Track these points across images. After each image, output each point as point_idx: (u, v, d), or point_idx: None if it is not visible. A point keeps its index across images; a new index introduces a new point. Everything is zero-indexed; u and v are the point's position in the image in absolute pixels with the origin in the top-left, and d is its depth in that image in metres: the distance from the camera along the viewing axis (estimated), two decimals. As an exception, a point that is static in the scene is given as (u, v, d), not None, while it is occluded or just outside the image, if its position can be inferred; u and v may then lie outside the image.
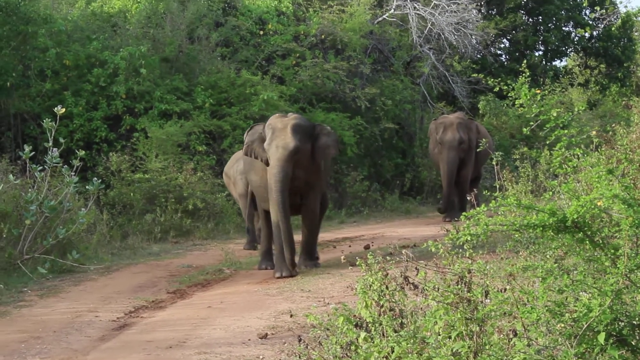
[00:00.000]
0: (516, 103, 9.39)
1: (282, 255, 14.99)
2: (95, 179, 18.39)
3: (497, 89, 10.38)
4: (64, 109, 17.95)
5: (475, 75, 23.12)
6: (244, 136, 15.94)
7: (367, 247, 16.72)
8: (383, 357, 6.71)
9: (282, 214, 14.76)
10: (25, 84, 22.58)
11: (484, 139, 20.67)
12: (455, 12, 28.30)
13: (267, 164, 14.99)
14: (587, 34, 36.37)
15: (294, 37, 26.89)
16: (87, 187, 17.95)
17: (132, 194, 20.32)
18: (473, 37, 28.64)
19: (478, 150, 20.47)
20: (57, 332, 11.61)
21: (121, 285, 14.90)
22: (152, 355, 10.37)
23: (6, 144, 21.80)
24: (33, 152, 17.01)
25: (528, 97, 8.69)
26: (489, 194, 11.48)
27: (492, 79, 11.28)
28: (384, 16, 28.93)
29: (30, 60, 22.83)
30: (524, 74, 9.64)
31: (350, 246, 18.06)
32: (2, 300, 13.67)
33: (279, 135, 14.82)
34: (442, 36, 28.23)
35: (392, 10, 28.83)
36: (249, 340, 10.81)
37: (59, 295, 14.23)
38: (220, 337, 11.01)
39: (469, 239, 6.88)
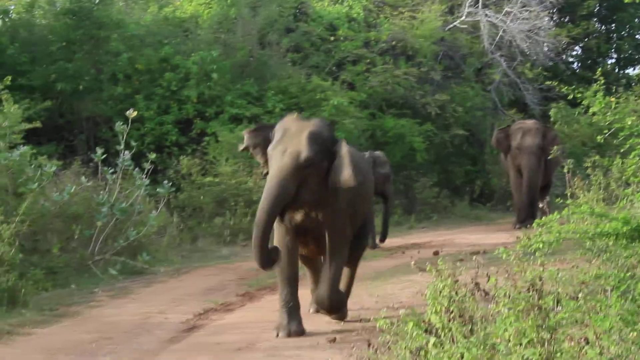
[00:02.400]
0: (590, 111, 9.32)
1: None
2: (166, 182, 18.54)
3: (571, 96, 10.30)
4: (135, 113, 18.06)
5: (548, 82, 22.92)
6: (244, 136, 12.17)
7: (436, 253, 16.64)
8: (453, 363, 6.68)
9: (259, 244, 10.63)
10: (97, 87, 22.76)
11: (555, 147, 20.57)
12: (527, 19, 28.15)
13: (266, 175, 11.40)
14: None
15: (364, 43, 26.90)
16: (157, 190, 18.08)
17: (202, 197, 20.41)
18: (545, 44, 28.49)
19: (549, 157, 20.37)
20: (127, 333, 11.69)
21: (191, 287, 14.96)
22: (220, 357, 10.40)
23: (79, 146, 21.99)
24: (105, 155, 17.13)
25: (602, 105, 8.63)
26: (560, 201, 11.39)
27: (565, 87, 11.21)
28: (455, 23, 28.82)
29: (102, 64, 23.01)
30: (598, 82, 9.56)
31: (419, 252, 17.98)
32: (73, 301, 13.79)
33: (290, 139, 10.81)
34: (514, 43, 28.08)
35: (464, 17, 28.72)
36: (318, 344, 10.81)
37: (129, 296, 14.32)
38: (289, 341, 11.02)
39: (540, 246, 6.84)
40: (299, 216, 11.23)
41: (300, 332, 11.24)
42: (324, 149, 10.87)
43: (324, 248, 11.45)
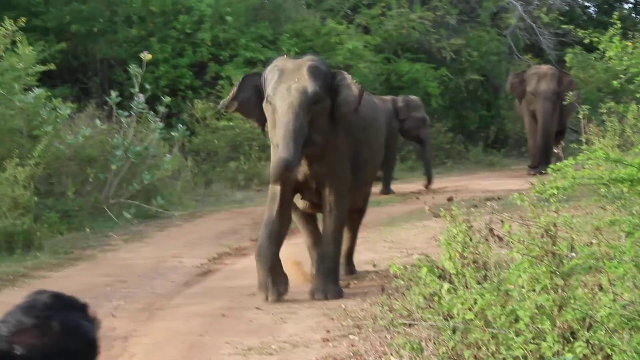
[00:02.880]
0: (606, 56, 9.30)
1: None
2: (180, 125, 18.56)
3: (587, 41, 10.28)
4: (150, 56, 18.06)
5: (564, 26, 22.85)
6: (232, 90, 10.91)
7: (450, 199, 16.65)
8: (466, 309, 6.71)
9: (281, 197, 10.34)
10: (111, 29, 22.76)
11: (571, 92, 20.53)
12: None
13: (262, 125, 10.66)
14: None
15: (380, -13, 26.83)
16: (172, 133, 18.11)
17: (216, 142, 20.46)
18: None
19: (565, 103, 20.35)
20: (141, 277, 11.78)
21: (205, 231, 15.03)
22: (235, 301, 10.47)
23: (93, 89, 22.01)
24: (119, 98, 17.13)
25: (619, 50, 8.60)
26: (575, 147, 11.39)
27: (581, 31, 11.19)
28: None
29: (116, 6, 23.00)
30: (614, 26, 9.54)
31: (433, 198, 18.01)
32: (88, 244, 13.88)
33: (290, 77, 9.94)
34: (531, -12, 28.06)
35: (481, -38, 28.67)
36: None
37: (143, 240, 14.40)
38: (301, 284, 11.07)
39: (555, 192, 6.84)
40: (299, 171, 10.28)
41: (286, 291, 10.36)
42: (325, 84, 10.15)
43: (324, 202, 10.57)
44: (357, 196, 11.41)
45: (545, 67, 23.39)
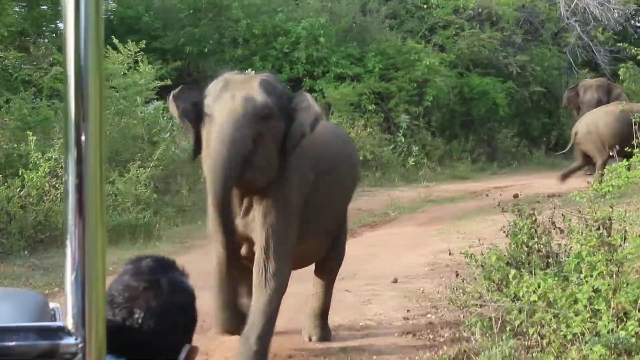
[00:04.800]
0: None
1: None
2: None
3: (639, 57, 10.21)
4: (253, 72, 18.18)
5: (618, 44, 22.66)
6: (169, 100, 7.59)
7: (516, 196, 16.40)
8: (531, 292, 6.69)
9: (220, 221, 6.86)
10: (220, 50, 22.94)
11: (623, 102, 20.42)
12: (599, -12, 27.93)
13: (196, 151, 7.42)
14: None
15: (454, 11, 26.74)
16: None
17: (310, 146, 20.49)
18: (615, 10, 28.09)
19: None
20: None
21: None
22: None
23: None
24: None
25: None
26: (629, 150, 11.26)
27: (634, 48, 11.12)
28: (535, -9, 28.60)
29: (224, 30, 23.16)
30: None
31: (501, 194, 17.76)
32: (200, 235, 13.93)
33: (237, 87, 6.90)
34: (587, 10, 27.79)
35: (543, -14, 28.52)
36: (410, 275, 10.87)
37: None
38: (386, 271, 11.08)
39: (610, 190, 6.81)
40: (239, 212, 7.17)
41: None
42: (280, 104, 6.99)
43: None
44: (317, 247, 8.06)
45: (592, 80, 23.35)
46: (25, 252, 11.91)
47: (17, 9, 20.48)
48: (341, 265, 8.71)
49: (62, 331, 1.40)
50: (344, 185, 8.21)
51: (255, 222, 7.09)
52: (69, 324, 1.39)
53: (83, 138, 1.34)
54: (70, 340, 1.39)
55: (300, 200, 7.35)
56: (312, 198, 7.42)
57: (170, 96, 7.41)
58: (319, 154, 7.37)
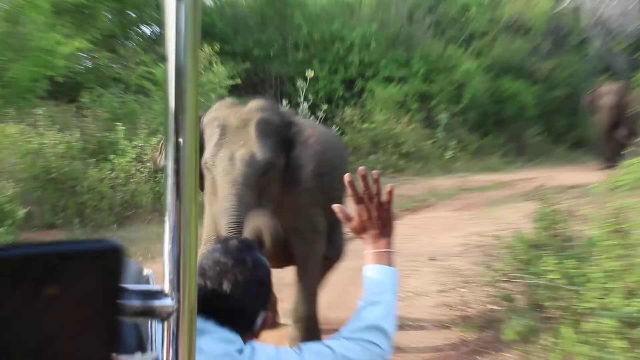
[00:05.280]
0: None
1: None
2: (334, 127, 18.69)
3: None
4: (312, 73, 18.22)
5: (637, 53, 22.47)
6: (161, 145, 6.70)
7: (540, 186, 16.43)
8: (551, 271, 6.70)
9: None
10: (283, 53, 22.97)
11: (638, 105, 20.36)
12: (619, 2, 27.58)
13: (201, 187, 6.28)
14: None
15: (490, 21, 26.57)
16: (327, 132, 18.20)
17: (360, 139, 20.48)
18: (633, 22, 27.77)
19: (632, 113, 20.31)
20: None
21: (351, 208, 15.06)
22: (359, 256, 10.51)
23: (269, 98, 22.23)
24: (289, 105, 17.32)
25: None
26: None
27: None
28: (562, 6, 28.27)
29: (288, 35, 23.18)
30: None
31: (527, 185, 17.81)
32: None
33: (234, 138, 6.02)
34: (608, 22, 27.51)
35: (569, 1, 28.22)
36: (446, 254, 10.88)
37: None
38: (425, 251, 11.10)
39: (624, 182, 6.80)
40: None
41: None
42: (278, 139, 6.16)
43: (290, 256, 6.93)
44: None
45: (609, 86, 23.17)
46: (114, 226, 12.05)
47: (108, 15, 20.63)
48: (338, 263, 7.91)
49: (160, 293, 1.44)
50: (338, 188, 7.21)
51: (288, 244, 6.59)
52: (166, 287, 1.43)
53: (181, 128, 1.39)
54: (167, 302, 1.43)
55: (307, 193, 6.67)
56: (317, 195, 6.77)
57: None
58: (317, 159, 6.47)
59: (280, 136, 6.14)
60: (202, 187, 6.35)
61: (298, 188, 6.30)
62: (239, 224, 5.63)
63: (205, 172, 6.01)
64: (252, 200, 5.82)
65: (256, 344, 2.64)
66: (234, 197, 5.75)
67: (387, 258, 2.77)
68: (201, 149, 6.01)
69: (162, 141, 6.68)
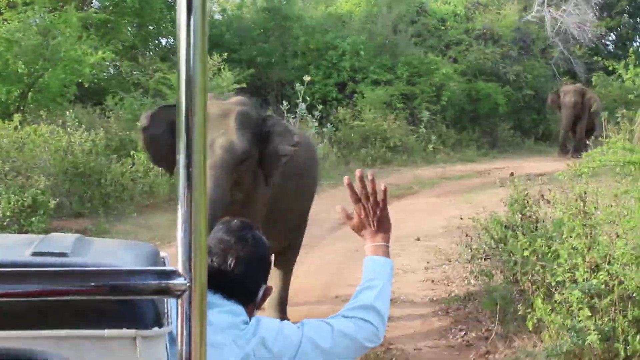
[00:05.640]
0: (625, 78, 9.16)
1: None
2: (329, 124, 18.70)
3: (612, 67, 10.10)
4: (309, 78, 18.27)
5: (593, 58, 22.51)
6: (141, 120, 6.29)
7: (511, 175, 16.36)
8: (524, 249, 6.68)
9: None
10: (283, 60, 22.93)
11: (594, 103, 20.47)
12: (577, 14, 27.64)
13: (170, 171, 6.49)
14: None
15: (464, 31, 26.54)
16: (323, 129, 18.24)
17: (352, 135, 20.46)
18: (589, 31, 27.80)
19: (591, 110, 20.45)
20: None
21: (345, 195, 14.94)
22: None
23: (270, 100, 22.16)
24: (288, 106, 17.32)
25: (633, 74, 8.50)
26: (601, 139, 11.16)
27: (604, 60, 10.99)
28: (527, 17, 28.30)
29: (287, 45, 23.13)
30: (630, 57, 9.36)
31: (499, 174, 17.80)
32: (267, 203, 14.01)
33: (216, 125, 5.81)
34: (568, 31, 27.55)
35: (533, 13, 28.25)
36: (429, 235, 10.88)
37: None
38: (411, 232, 11.11)
39: (586, 170, 6.77)
40: None
41: None
42: (255, 133, 5.96)
43: None
44: (280, 241, 6.61)
45: (570, 86, 23.39)
46: (134, 214, 12.03)
47: (129, 28, 20.62)
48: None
49: (174, 273, 1.44)
50: (307, 187, 7.19)
51: None
52: (179, 268, 1.43)
53: (191, 127, 1.39)
54: (181, 281, 1.43)
55: (270, 203, 6.37)
56: (277, 198, 6.43)
57: (147, 115, 6.09)
58: (289, 159, 6.11)
59: (257, 130, 5.95)
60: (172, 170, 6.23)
61: (268, 182, 6.06)
62: (214, 205, 5.38)
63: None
64: (228, 185, 5.66)
65: (261, 317, 2.63)
66: (211, 179, 5.49)
67: (383, 251, 2.77)
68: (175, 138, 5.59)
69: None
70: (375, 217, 2.73)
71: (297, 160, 6.42)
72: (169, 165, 6.27)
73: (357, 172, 2.73)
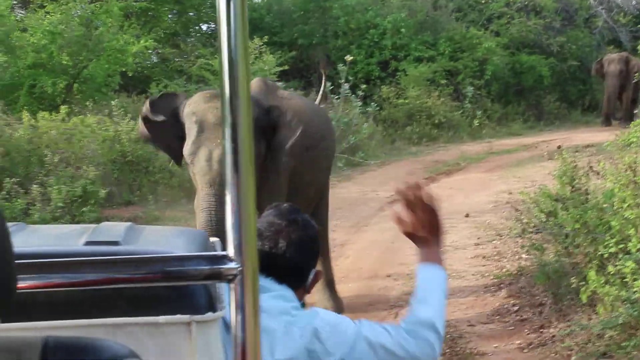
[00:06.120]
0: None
1: None
2: (373, 103, 18.65)
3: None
4: (351, 58, 18.19)
5: (638, 25, 22.17)
6: (143, 109, 6.20)
7: (559, 147, 16.19)
8: (574, 222, 6.62)
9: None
10: (325, 41, 22.89)
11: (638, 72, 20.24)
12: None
13: (176, 159, 6.29)
14: None
15: (506, 4, 26.27)
16: (367, 109, 18.20)
17: (397, 113, 20.39)
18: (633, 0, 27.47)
19: (635, 80, 20.25)
20: (351, 205, 11.90)
21: (391, 173, 15.06)
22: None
23: (313, 81, 22.15)
24: (332, 87, 17.29)
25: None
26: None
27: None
28: (570, -14, 28.03)
29: (328, 25, 23.08)
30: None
31: (547, 146, 17.62)
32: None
33: (212, 135, 5.67)
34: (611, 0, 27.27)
35: (576, -18, 27.97)
36: (479, 210, 10.83)
37: (351, 180, 14.52)
38: (460, 209, 11.06)
39: (634, 140, 6.69)
40: None
41: None
42: (257, 131, 5.42)
43: None
44: None
45: (614, 55, 23.13)
46: (183, 201, 12.11)
47: (170, 16, 20.72)
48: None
49: (225, 258, 1.45)
50: (324, 159, 7.02)
51: None
52: (230, 253, 1.44)
53: (236, 111, 1.40)
54: (232, 265, 1.44)
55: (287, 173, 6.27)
56: (296, 170, 6.30)
57: (148, 102, 5.98)
58: (303, 131, 5.99)
59: (258, 126, 5.59)
60: (178, 162, 6.19)
61: (278, 168, 5.96)
62: (215, 223, 5.39)
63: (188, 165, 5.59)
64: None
65: (319, 309, 2.60)
66: (211, 197, 5.47)
67: (437, 258, 2.67)
68: (178, 126, 5.66)
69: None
70: (428, 224, 2.63)
71: (311, 132, 6.28)
72: (173, 153, 6.09)
73: (408, 182, 2.67)
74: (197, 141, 5.45)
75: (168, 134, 5.79)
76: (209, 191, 5.53)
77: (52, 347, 1.05)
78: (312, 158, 6.55)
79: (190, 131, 5.53)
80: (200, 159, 5.43)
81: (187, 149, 5.52)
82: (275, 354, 2.38)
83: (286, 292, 2.53)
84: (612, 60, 22.48)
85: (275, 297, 2.50)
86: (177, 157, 5.93)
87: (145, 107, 5.92)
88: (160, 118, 5.81)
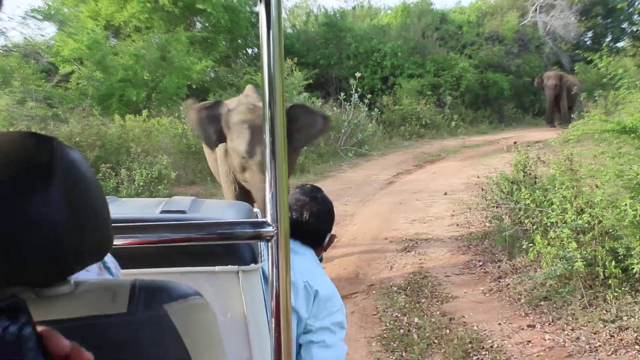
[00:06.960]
0: (600, 66, 8.93)
1: None
2: (376, 109, 18.57)
3: (589, 58, 9.87)
4: (359, 74, 18.10)
5: (576, 51, 21.93)
6: (198, 106, 5.53)
7: (515, 143, 16.05)
8: (526, 199, 6.60)
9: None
10: (339, 62, 22.75)
11: (574, 86, 20.05)
12: (562, 18, 26.96)
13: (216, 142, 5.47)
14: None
15: (476, 34, 26.00)
16: (371, 113, 18.11)
17: (394, 116, 20.28)
18: (572, 31, 27.06)
19: (572, 92, 20.08)
20: (358, 185, 11.88)
21: (390, 162, 15.03)
22: (406, 196, 10.46)
23: (331, 93, 22.08)
24: (345, 96, 17.26)
25: (606, 62, 8.28)
26: (582, 113, 10.91)
27: (584, 53, 10.71)
28: (524, 22, 27.61)
29: (342, 50, 22.95)
30: (603, 50, 9.12)
31: (506, 142, 17.50)
32: (331, 170, 14.05)
33: (261, 138, 5.05)
34: (556, 31, 26.87)
35: (529, 18, 27.55)
36: (454, 190, 10.79)
37: (359, 167, 14.49)
38: (440, 188, 11.02)
39: (572, 137, 6.66)
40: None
41: None
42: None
43: None
44: None
45: (551, 72, 22.88)
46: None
47: (224, 42, 20.71)
48: None
49: (265, 223, 1.46)
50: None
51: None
52: (269, 219, 1.45)
53: (274, 115, 1.41)
54: (270, 229, 1.45)
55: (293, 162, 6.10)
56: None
57: (199, 106, 5.50)
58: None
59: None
60: (215, 145, 5.60)
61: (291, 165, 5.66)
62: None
63: (234, 155, 5.29)
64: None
65: (327, 279, 2.54)
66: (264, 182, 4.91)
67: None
68: (221, 134, 5.32)
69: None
70: None
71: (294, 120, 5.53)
72: (208, 140, 5.47)
73: None
74: (252, 142, 5.09)
75: (209, 127, 5.38)
76: (263, 177, 4.90)
77: (137, 287, 1.09)
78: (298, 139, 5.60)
79: (242, 133, 5.18)
80: (258, 155, 5.08)
81: (243, 147, 5.12)
82: (297, 301, 2.41)
83: (308, 251, 2.55)
84: (549, 76, 22.31)
85: (300, 254, 2.52)
86: (210, 143, 5.48)
87: (201, 105, 5.56)
88: (205, 114, 5.42)
